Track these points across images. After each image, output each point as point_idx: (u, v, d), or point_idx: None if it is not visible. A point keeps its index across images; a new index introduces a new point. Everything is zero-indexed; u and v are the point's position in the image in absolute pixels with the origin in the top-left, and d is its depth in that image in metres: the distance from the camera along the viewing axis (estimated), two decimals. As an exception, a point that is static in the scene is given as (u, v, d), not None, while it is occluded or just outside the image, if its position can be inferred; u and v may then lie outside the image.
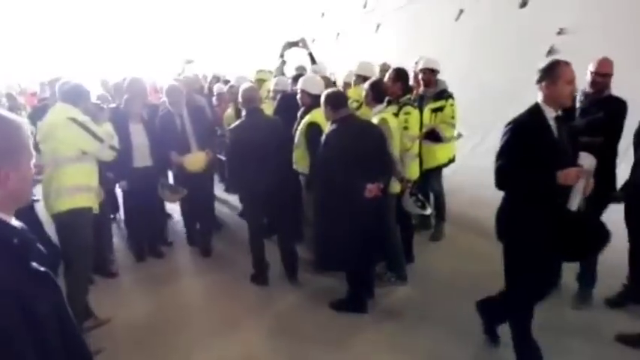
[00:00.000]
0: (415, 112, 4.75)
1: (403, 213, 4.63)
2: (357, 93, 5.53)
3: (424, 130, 5.14)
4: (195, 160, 5.14)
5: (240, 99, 4.56)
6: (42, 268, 1.25)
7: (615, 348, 3.49)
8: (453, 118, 5.25)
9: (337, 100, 3.93)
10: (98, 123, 4.01)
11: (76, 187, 3.72)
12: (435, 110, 5.23)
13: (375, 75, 5.69)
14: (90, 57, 21.50)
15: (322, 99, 3.98)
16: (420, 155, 5.08)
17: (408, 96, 4.84)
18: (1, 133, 1.21)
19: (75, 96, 3.86)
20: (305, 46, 6.77)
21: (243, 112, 4.58)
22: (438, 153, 5.31)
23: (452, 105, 5.24)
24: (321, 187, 3.99)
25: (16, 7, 20.99)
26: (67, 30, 22.95)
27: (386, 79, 4.73)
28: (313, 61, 6.62)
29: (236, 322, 4.08)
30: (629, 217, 3.78)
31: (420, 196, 4.67)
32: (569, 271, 4.05)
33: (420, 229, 5.61)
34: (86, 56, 21.66)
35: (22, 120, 1.28)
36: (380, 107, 4.30)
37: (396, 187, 4.38)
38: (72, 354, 1.30)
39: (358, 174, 3.74)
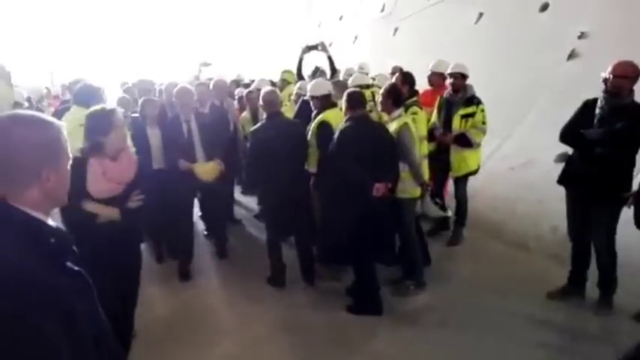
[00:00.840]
0: (422, 113, 4.89)
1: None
2: None
3: (453, 134, 5.19)
4: (206, 170, 4.92)
5: (261, 102, 4.61)
6: (76, 268, 1.28)
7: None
8: (484, 123, 5.23)
9: (357, 100, 4.11)
10: None
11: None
12: (466, 116, 5.20)
13: (367, 82, 5.79)
14: (110, 59, 21.81)
15: (345, 97, 4.14)
16: (448, 162, 5.23)
17: (415, 98, 4.99)
18: (43, 136, 1.24)
19: (86, 96, 3.88)
20: (324, 49, 6.79)
21: (264, 115, 4.62)
22: (470, 160, 5.30)
23: (482, 110, 5.22)
24: (331, 180, 4.13)
25: (40, 13, 21.34)
26: (89, 33, 23.29)
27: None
28: (332, 64, 6.63)
29: (252, 322, 4.10)
30: None
31: (437, 199, 4.68)
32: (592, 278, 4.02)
33: (439, 231, 5.61)
34: (106, 59, 21.98)
35: (61, 123, 1.31)
36: (398, 112, 4.33)
37: (416, 191, 4.39)
38: (104, 354, 1.33)
39: (368, 171, 3.86)
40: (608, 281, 3.96)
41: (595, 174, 3.75)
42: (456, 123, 5.21)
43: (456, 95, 5.27)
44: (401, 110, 4.36)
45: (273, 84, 7.06)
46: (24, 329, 1.06)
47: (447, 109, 5.27)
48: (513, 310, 4.10)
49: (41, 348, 1.08)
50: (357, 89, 4.48)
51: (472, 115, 5.18)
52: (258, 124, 4.64)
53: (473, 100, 5.22)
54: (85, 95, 3.89)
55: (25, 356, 1.06)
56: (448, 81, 5.35)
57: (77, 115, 3.76)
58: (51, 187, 1.24)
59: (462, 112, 5.20)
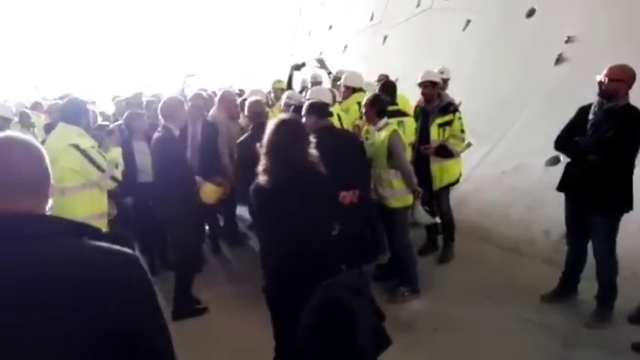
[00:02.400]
0: (409, 121, 4.95)
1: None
2: (348, 105, 5.52)
3: (433, 145, 5.07)
4: (207, 192, 4.68)
5: (247, 113, 4.61)
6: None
7: (632, 357, 3.44)
8: (462, 131, 5.15)
9: (322, 110, 4.07)
10: (107, 149, 3.96)
11: (91, 216, 3.61)
12: (443, 125, 5.09)
13: (361, 85, 5.75)
14: (96, 73, 21.78)
15: (306, 107, 4.08)
16: (430, 173, 5.12)
17: (396, 107, 4.97)
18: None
19: (72, 113, 3.77)
20: (323, 66, 6.81)
21: (250, 127, 4.62)
22: (450, 170, 5.21)
23: (459, 118, 5.13)
24: None
25: (25, 27, 21.33)
26: (74, 46, 23.29)
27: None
28: (334, 80, 6.61)
29: (245, 328, 4.07)
30: None
31: (426, 207, 4.68)
32: (590, 288, 3.99)
33: (428, 253, 5.42)
34: (92, 72, 21.94)
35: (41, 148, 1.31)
36: (383, 121, 4.30)
37: (408, 199, 4.38)
38: None
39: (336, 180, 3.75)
40: (608, 292, 3.86)
41: (591, 182, 3.69)
42: (434, 132, 5.09)
43: (432, 104, 5.17)
44: (385, 119, 4.33)
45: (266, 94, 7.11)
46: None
47: (423, 119, 5.16)
48: (507, 314, 4.09)
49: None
50: (318, 100, 4.44)
51: (449, 123, 5.08)
52: (245, 135, 4.62)
53: (449, 108, 5.11)
54: (72, 112, 3.78)
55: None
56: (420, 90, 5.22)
57: (64, 133, 3.68)
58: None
59: (438, 120, 5.08)
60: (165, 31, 22.97)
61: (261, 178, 2.62)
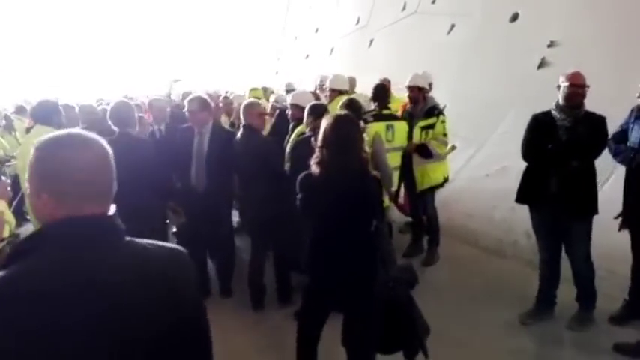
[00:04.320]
0: (401, 124, 4.92)
1: None
2: (334, 108, 5.52)
3: (413, 144, 5.10)
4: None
5: (241, 114, 4.52)
6: None
7: (613, 358, 3.48)
8: (445, 135, 5.18)
9: (319, 112, 4.02)
10: None
11: None
12: (426, 128, 5.13)
13: (347, 88, 5.76)
14: (81, 77, 21.60)
15: (307, 110, 4.08)
16: (413, 176, 5.17)
17: (389, 111, 4.99)
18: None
19: (44, 114, 3.82)
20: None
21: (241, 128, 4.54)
22: (433, 173, 5.23)
23: (443, 122, 5.16)
24: None
25: (9, 32, 21.11)
26: (58, 48, 23.08)
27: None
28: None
29: (234, 334, 4.06)
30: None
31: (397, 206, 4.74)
32: (568, 290, 4.02)
33: (413, 255, 5.44)
34: (77, 77, 21.76)
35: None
36: (360, 125, 4.25)
37: (385, 201, 4.41)
38: None
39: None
40: (589, 294, 3.88)
41: (572, 189, 3.68)
42: (416, 135, 5.12)
43: (417, 107, 5.22)
44: (362, 123, 4.28)
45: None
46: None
47: (409, 122, 5.15)
48: (490, 316, 4.13)
49: None
50: (319, 102, 4.53)
51: (432, 126, 5.11)
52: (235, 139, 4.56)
53: (433, 112, 5.16)
54: (44, 112, 3.82)
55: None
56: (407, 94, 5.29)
57: (40, 133, 3.66)
58: None
59: (422, 123, 5.12)
60: (153, 35, 22.87)
61: (315, 170, 2.75)
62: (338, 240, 2.77)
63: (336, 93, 5.61)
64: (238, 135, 4.49)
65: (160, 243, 1.27)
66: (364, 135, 2.99)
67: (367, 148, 3.99)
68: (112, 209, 1.20)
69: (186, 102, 4.58)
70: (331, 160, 2.71)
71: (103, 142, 1.20)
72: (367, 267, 2.82)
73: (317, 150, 2.77)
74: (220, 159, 4.43)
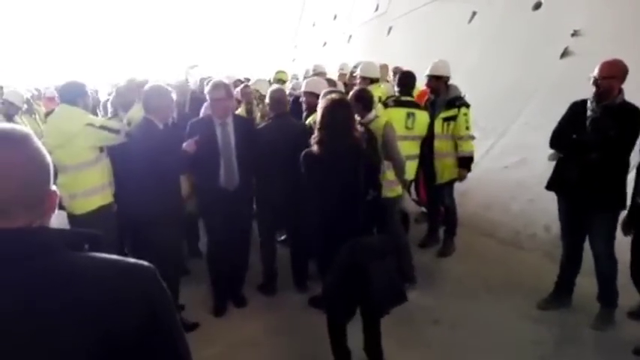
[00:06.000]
0: (422, 114, 4.79)
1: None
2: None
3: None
4: None
5: (268, 100, 4.46)
6: None
7: (629, 353, 3.43)
8: (467, 129, 4.99)
9: (369, 101, 4.12)
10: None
11: (102, 185, 3.83)
12: (447, 119, 4.98)
13: (378, 76, 5.66)
14: (98, 62, 21.72)
15: (355, 99, 4.01)
16: (433, 168, 5.10)
17: (410, 98, 4.85)
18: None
19: (72, 94, 3.83)
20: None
21: (271, 114, 4.45)
22: (453, 166, 5.11)
23: (465, 114, 4.96)
24: None
25: (28, 15, 21.28)
26: (74, 35, 23.24)
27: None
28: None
29: (242, 323, 4.09)
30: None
31: (415, 197, 4.69)
32: (588, 282, 3.97)
33: (428, 245, 5.43)
34: (95, 61, 21.89)
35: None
36: (373, 114, 4.16)
37: (398, 189, 4.37)
38: None
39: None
40: (610, 291, 3.80)
41: (592, 181, 3.61)
42: (438, 127, 4.99)
43: (438, 97, 5.10)
44: (375, 112, 4.21)
45: (270, 84, 7.00)
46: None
47: (431, 113, 5.01)
48: (507, 308, 4.10)
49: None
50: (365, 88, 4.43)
51: (454, 118, 4.96)
52: (265, 123, 4.47)
53: (455, 103, 4.99)
54: (69, 93, 3.83)
55: None
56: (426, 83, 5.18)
57: (72, 114, 3.75)
58: (50, 212, 1.08)
59: (443, 114, 4.98)
60: (169, 22, 22.89)
61: (315, 148, 3.07)
62: (340, 209, 3.06)
63: (367, 81, 5.44)
64: (265, 123, 4.41)
65: (130, 261, 1.09)
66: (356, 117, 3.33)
67: (379, 138, 4.01)
68: (51, 219, 1.06)
69: (209, 88, 4.07)
70: (329, 139, 3.04)
71: (16, 140, 1.00)
72: (361, 230, 3.10)
73: (316, 131, 3.11)
74: (248, 152, 4.10)
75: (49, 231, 1.04)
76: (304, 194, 3.59)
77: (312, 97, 4.66)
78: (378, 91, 5.38)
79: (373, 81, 5.51)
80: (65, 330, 0.95)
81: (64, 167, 3.60)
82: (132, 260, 1.10)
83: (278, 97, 4.35)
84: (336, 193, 3.06)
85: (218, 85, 4.03)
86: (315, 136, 3.09)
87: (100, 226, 3.65)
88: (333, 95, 3.40)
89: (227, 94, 4.02)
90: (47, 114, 5.88)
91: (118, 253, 1.15)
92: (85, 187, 3.73)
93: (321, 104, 3.12)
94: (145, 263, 1.11)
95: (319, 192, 3.13)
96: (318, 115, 3.10)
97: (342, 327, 3.31)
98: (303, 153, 3.14)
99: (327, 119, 3.04)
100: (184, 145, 3.81)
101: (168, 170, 3.77)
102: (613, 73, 3.55)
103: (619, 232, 3.72)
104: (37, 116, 7.38)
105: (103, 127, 3.77)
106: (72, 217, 3.81)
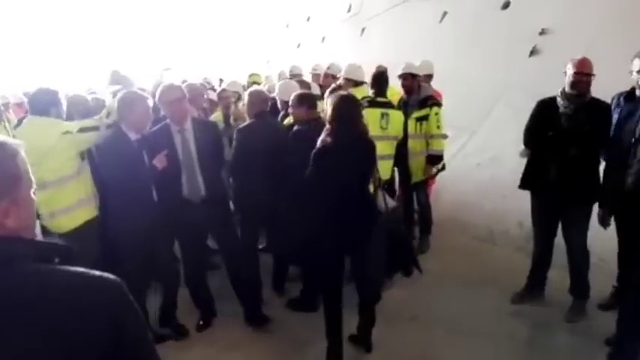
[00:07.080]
0: (396, 114, 4.82)
1: None
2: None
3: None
4: None
5: (246, 100, 4.33)
6: None
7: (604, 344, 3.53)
8: (438, 127, 5.06)
9: (312, 101, 4.16)
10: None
11: (87, 198, 3.61)
12: (420, 119, 5.05)
13: (363, 79, 5.63)
14: (69, 66, 21.28)
15: (295, 100, 4.06)
16: (408, 168, 5.17)
17: (385, 99, 4.84)
18: None
19: (43, 103, 3.56)
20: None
21: (252, 112, 4.24)
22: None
23: (437, 114, 5.04)
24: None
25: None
26: (45, 40, 22.77)
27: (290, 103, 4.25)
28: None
29: (228, 324, 4.08)
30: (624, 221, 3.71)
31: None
32: (560, 276, 4.07)
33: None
34: (66, 66, 21.43)
35: (19, 144, 1.11)
36: None
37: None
38: None
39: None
40: (583, 284, 3.91)
41: (571, 175, 3.68)
42: (411, 126, 5.05)
43: (411, 97, 5.15)
44: None
45: (244, 88, 6.92)
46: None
47: (404, 112, 5.06)
48: (483, 303, 4.18)
49: None
50: (308, 92, 4.48)
51: (426, 117, 5.02)
52: (246, 123, 4.27)
53: (427, 102, 5.05)
54: (40, 102, 3.56)
55: None
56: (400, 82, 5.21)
57: (45, 125, 3.50)
58: (12, 223, 1.04)
59: (416, 114, 5.04)
60: (142, 24, 22.58)
61: (327, 139, 3.28)
62: (348, 195, 3.30)
63: (351, 83, 5.18)
64: (247, 123, 4.23)
65: (94, 274, 1.06)
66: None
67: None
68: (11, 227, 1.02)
69: (161, 92, 3.71)
70: (339, 130, 3.26)
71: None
72: (371, 214, 3.45)
73: (327, 123, 3.34)
74: (212, 158, 3.85)
75: (15, 241, 1.02)
76: (294, 191, 3.62)
77: (284, 103, 4.60)
78: (361, 93, 5.33)
79: (357, 84, 5.38)
80: (23, 344, 0.92)
81: (42, 184, 3.24)
82: (98, 274, 1.07)
83: (257, 96, 4.22)
84: (346, 179, 3.30)
85: (171, 86, 3.78)
86: (326, 129, 3.32)
87: (90, 243, 3.51)
88: (341, 92, 3.69)
89: (183, 94, 3.73)
90: (18, 121, 5.57)
91: (102, 269, 1.11)
92: (68, 203, 3.47)
93: (330, 100, 3.35)
94: (111, 277, 1.08)
95: (330, 180, 3.27)
96: (327, 111, 3.34)
97: (339, 308, 3.46)
98: (317, 147, 3.30)
99: (337, 112, 3.27)
100: (154, 160, 3.58)
101: (144, 186, 3.63)
102: (592, 71, 3.66)
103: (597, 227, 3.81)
104: (7, 123, 7.20)
105: (81, 130, 3.52)
106: (60, 236, 3.51)
